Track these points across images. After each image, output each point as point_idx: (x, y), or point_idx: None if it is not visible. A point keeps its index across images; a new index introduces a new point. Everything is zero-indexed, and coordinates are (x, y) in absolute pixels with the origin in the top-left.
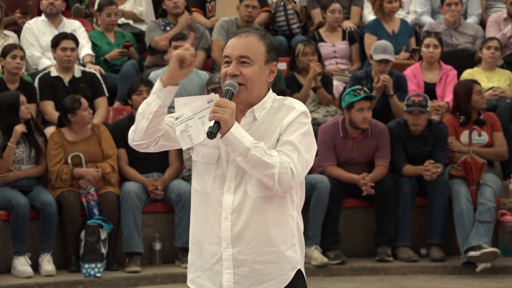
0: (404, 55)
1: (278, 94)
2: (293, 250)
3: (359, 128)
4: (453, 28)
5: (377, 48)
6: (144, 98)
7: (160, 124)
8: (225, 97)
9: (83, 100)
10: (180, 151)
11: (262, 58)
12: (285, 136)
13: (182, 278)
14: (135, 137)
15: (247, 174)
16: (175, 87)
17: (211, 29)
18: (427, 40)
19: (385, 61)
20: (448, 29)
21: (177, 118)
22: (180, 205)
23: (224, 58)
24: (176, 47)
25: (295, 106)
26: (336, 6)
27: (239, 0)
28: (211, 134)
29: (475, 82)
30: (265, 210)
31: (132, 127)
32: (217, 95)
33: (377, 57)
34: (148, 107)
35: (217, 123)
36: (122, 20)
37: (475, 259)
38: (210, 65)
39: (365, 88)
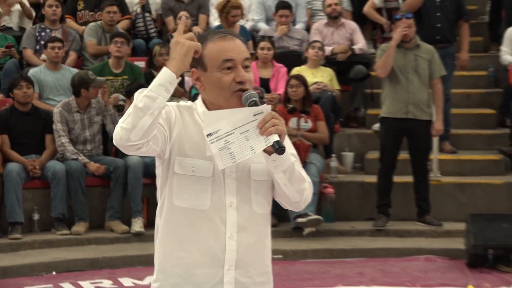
0: None
1: (136, 89)
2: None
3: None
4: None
5: None
6: (25, 92)
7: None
8: None
9: None
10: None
11: None
12: None
13: (57, 243)
14: (132, 136)
15: (251, 189)
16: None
17: (81, 34)
18: (262, 44)
19: None
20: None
21: (209, 135)
22: (55, 182)
23: (226, 62)
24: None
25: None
26: (184, 13)
27: (101, 8)
28: (283, 149)
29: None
30: (264, 228)
31: (124, 125)
32: (269, 106)
33: None
34: (153, 102)
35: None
36: (7, 22)
37: (303, 225)
38: (80, 64)
39: None
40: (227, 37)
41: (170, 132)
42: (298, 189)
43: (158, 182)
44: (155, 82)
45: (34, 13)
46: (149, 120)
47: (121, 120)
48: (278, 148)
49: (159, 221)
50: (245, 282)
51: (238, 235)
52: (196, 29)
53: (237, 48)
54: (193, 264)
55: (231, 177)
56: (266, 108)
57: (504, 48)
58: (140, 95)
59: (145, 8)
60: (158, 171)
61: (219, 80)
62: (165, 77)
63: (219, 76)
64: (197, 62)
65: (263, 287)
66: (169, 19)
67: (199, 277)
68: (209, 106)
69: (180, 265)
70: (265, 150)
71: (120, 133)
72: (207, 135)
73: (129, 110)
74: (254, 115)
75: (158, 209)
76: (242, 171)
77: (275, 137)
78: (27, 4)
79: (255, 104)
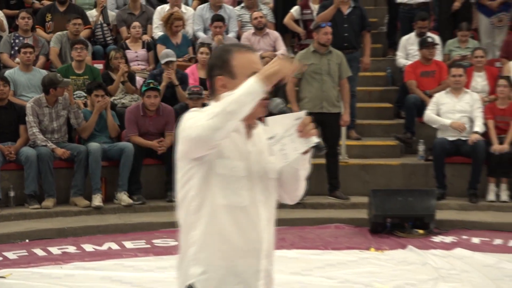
0: (185, 58)
1: (95, 87)
2: None
3: (149, 109)
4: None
5: (162, 55)
6: (2, 90)
7: None
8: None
9: None
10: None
11: None
12: None
13: (30, 216)
14: (216, 136)
15: (269, 186)
16: None
17: (49, 41)
18: (201, 49)
19: (170, 63)
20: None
21: (271, 138)
22: (28, 164)
23: (254, 74)
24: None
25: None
26: (136, 24)
27: (67, 20)
28: (325, 148)
29: None
30: None
31: (211, 124)
32: (304, 112)
33: (163, 61)
34: (241, 108)
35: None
36: None
37: None
38: (48, 66)
39: (154, 82)
40: (251, 50)
41: None
42: (304, 183)
43: (194, 182)
44: (245, 90)
45: (7, 26)
46: (234, 124)
47: (205, 118)
48: (321, 148)
49: (193, 218)
50: (269, 270)
51: (267, 227)
52: (145, 37)
53: (260, 61)
54: (236, 256)
55: (257, 176)
56: (303, 113)
57: (399, 53)
58: (229, 99)
59: (105, 20)
60: (191, 173)
61: None
62: (254, 88)
63: None
64: (225, 70)
65: (273, 271)
66: (123, 29)
67: (241, 268)
68: None
69: (225, 258)
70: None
71: (206, 130)
72: (269, 138)
73: (215, 111)
74: (295, 120)
75: (193, 207)
76: (263, 170)
77: (315, 139)
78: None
79: (284, 111)
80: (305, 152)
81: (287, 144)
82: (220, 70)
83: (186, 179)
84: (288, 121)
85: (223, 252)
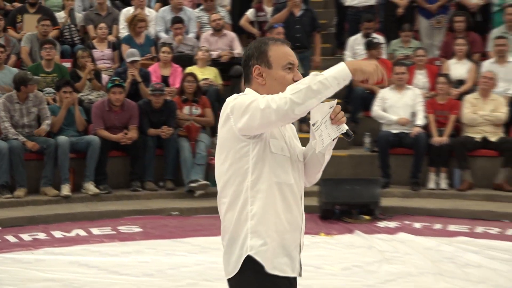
0: (148, 57)
1: (63, 84)
2: None
3: (114, 105)
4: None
5: (128, 54)
6: None
7: None
8: None
9: None
10: None
11: None
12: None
13: (2, 205)
14: (297, 110)
15: (300, 168)
16: None
17: (19, 40)
18: (163, 49)
19: (135, 61)
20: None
21: (313, 124)
22: (0, 157)
23: (288, 65)
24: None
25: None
26: (102, 25)
27: (37, 21)
28: (353, 136)
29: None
30: None
31: (295, 98)
32: (335, 101)
33: (128, 60)
34: (325, 89)
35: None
36: None
37: (194, 188)
38: (19, 64)
39: (119, 79)
40: (285, 44)
41: None
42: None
43: (250, 159)
44: (331, 73)
45: None
46: (315, 103)
47: (290, 92)
48: (350, 135)
49: (250, 194)
50: (303, 243)
51: (302, 206)
52: (111, 37)
53: (294, 54)
54: (283, 230)
55: (294, 158)
56: (335, 102)
57: (347, 52)
58: (315, 78)
59: (72, 21)
60: (245, 151)
61: (283, 77)
62: (341, 73)
63: (283, 74)
64: (262, 60)
65: None
66: (90, 27)
67: (288, 241)
68: None
69: (277, 231)
70: None
71: (289, 103)
72: (312, 124)
73: (300, 87)
74: (330, 108)
75: (250, 183)
76: (297, 154)
77: (345, 126)
78: None
79: None
80: (335, 138)
81: (324, 130)
82: (257, 60)
83: (239, 157)
84: (325, 108)
85: (276, 226)
